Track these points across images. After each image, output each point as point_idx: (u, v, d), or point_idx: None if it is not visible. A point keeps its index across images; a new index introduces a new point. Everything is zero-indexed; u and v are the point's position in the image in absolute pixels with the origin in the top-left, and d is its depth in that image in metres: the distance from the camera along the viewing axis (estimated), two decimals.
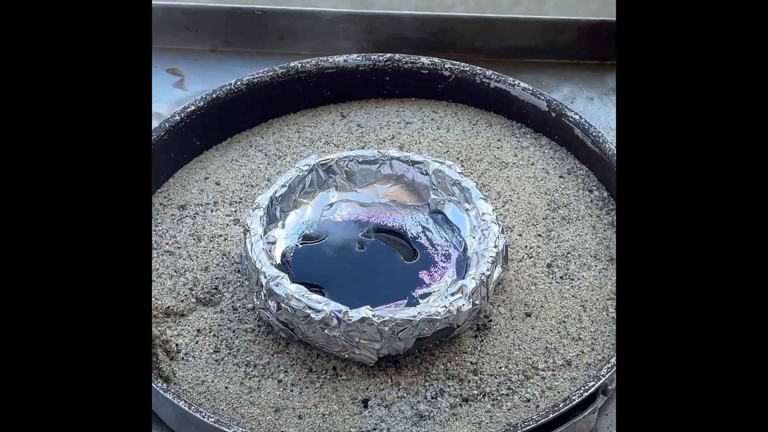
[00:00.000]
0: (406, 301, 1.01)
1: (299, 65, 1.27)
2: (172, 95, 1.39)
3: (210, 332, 1.02)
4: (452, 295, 0.96)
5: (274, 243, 1.05)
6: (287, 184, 1.08)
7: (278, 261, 1.04)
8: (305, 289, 0.96)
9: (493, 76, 1.27)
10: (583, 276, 1.08)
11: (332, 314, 0.94)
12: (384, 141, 1.24)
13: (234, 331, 1.02)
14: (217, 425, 0.91)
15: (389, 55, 1.29)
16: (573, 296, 1.06)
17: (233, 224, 1.14)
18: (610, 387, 0.97)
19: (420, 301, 1.01)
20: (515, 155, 1.23)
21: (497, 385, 0.97)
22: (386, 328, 0.94)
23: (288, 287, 0.96)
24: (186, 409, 0.92)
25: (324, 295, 0.99)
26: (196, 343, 1.01)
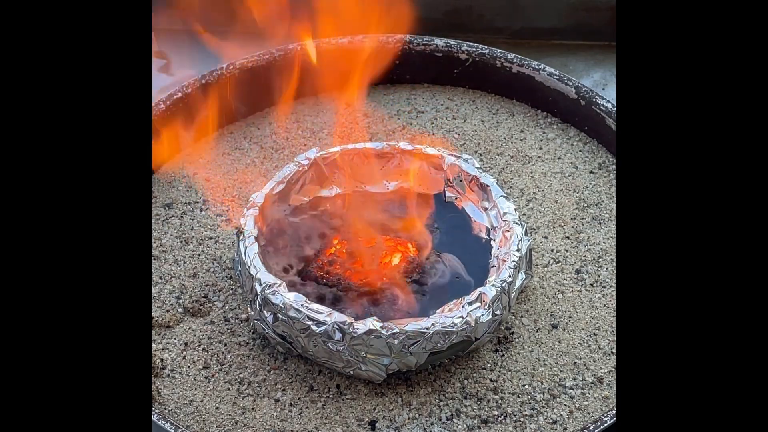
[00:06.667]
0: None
1: (299, 47, 1.27)
2: (158, 81, 1.39)
3: (199, 346, 1.02)
4: (470, 304, 0.96)
5: None
6: (285, 181, 1.08)
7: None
8: (305, 298, 0.96)
9: (515, 60, 1.27)
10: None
11: (335, 326, 0.94)
12: (393, 132, 1.24)
13: (226, 345, 1.02)
14: None
15: (399, 35, 1.29)
16: (605, 306, 1.06)
17: (225, 225, 1.14)
18: None
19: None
20: (540, 148, 1.23)
21: (520, 405, 0.97)
22: (396, 342, 0.93)
23: (286, 296, 0.96)
24: (172, 431, 0.92)
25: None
26: (184, 358, 1.01)
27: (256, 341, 1.02)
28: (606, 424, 0.92)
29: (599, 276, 1.08)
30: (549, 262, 1.10)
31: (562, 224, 1.13)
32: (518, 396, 0.98)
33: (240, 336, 1.03)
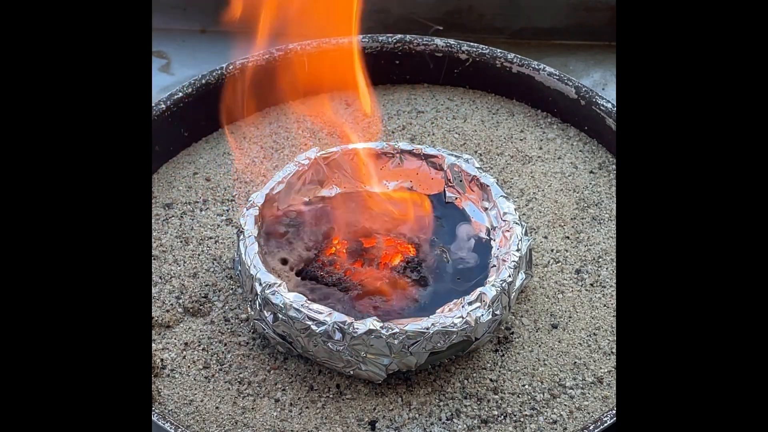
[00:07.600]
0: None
1: (298, 47, 1.27)
2: (158, 80, 1.39)
3: (199, 346, 1.02)
4: (470, 304, 0.96)
5: None
6: (285, 180, 1.08)
7: None
8: (305, 298, 0.96)
9: (515, 60, 1.26)
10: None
11: (335, 326, 0.93)
12: (393, 132, 1.24)
13: (226, 345, 1.02)
14: None
15: (399, 36, 1.29)
16: (605, 305, 1.06)
17: (225, 225, 1.14)
18: None
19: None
20: (540, 148, 1.23)
21: (520, 405, 0.97)
22: (396, 342, 0.93)
23: (286, 296, 0.95)
24: (172, 431, 0.92)
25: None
26: (184, 358, 1.01)
27: (256, 341, 1.02)
28: (606, 424, 0.92)
29: (599, 276, 1.08)
30: (549, 262, 1.10)
31: (562, 224, 1.13)
32: (518, 396, 0.98)
33: (240, 336, 1.03)
